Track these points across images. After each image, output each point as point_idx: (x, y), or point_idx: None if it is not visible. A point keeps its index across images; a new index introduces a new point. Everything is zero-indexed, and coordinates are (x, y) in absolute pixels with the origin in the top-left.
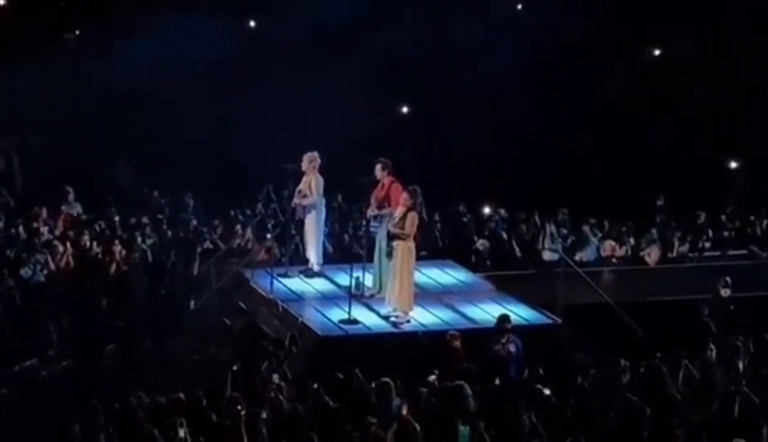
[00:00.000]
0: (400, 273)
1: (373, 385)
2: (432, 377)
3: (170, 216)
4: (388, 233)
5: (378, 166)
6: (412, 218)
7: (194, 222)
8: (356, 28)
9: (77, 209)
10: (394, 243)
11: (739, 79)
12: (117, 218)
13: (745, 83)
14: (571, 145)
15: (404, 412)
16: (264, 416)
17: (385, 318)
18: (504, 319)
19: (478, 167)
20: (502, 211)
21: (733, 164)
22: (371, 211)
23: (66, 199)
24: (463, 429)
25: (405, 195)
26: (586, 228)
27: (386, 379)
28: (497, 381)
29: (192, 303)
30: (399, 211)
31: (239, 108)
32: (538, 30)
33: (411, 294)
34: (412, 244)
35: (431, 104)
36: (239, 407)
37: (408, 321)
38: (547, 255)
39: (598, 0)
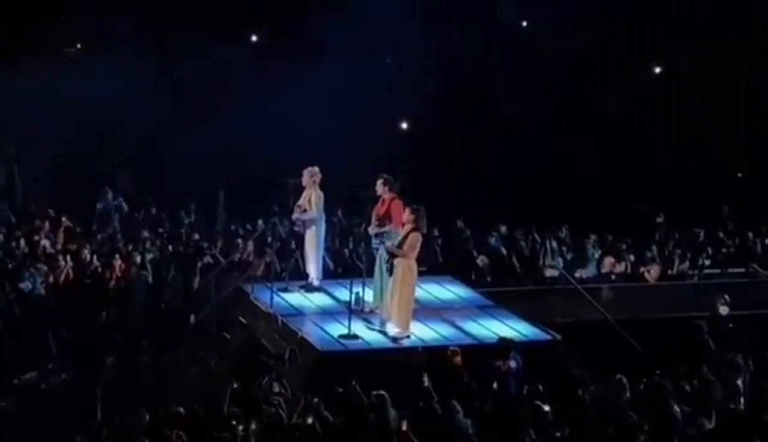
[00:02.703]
0: (400, 291)
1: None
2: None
3: (170, 230)
4: (388, 251)
5: (379, 182)
6: (415, 239)
7: (196, 236)
8: (358, 42)
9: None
10: (395, 261)
11: (739, 94)
12: (117, 234)
13: (746, 98)
14: (572, 161)
15: (404, 428)
16: (261, 430)
17: (384, 333)
18: (507, 343)
19: (479, 183)
20: (503, 229)
21: (734, 180)
22: (372, 229)
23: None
24: None
25: (408, 214)
26: (586, 244)
27: (382, 392)
28: (497, 397)
29: (192, 317)
30: (404, 231)
31: (239, 122)
32: (539, 46)
33: (410, 313)
34: (413, 263)
35: (432, 119)
36: (237, 422)
37: (408, 336)
38: (548, 272)
39: (599, 16)
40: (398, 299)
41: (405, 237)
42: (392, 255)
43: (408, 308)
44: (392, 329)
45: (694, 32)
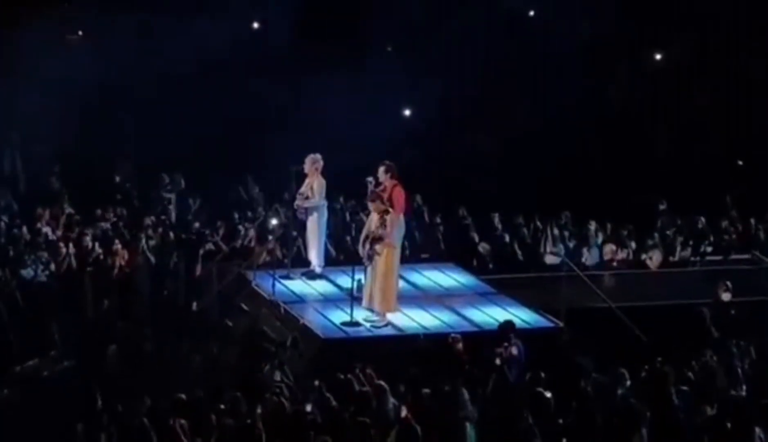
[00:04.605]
0: (384, 275)
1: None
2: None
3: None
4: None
5: (381, 169)
6: (392, 218)
7: (197, 224)
8: (361, 32)
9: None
10: (377, 247)
11: (740, 82)
12: (117, 220)
13: (747, 86)
14: (574, 148)
15: (403, 414)
16: (263, 417)
17: (360, 322)
18: (507, 327)
19: (481, 170)
20: (497, 217)
21: (736, 168)
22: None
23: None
24: (470, 429)
25: (372, 203)
26: (589, 231)
27: (381, 381)
28: (499, 384)
29: (194, 304)
30: (377, 220)
31: (242, 109)
32: (541, 34)
33: (394, 295)
34: (396, 250)
35: (435, 108)
36: (239, 410)
37: (386, 324)
38: (550, 258)
39: (602, 5)
40: (382, 283)
41: (383, 222)
42: (376, 239)
43: (393, 292)
44: (371, 317)
45: (696, 20)
